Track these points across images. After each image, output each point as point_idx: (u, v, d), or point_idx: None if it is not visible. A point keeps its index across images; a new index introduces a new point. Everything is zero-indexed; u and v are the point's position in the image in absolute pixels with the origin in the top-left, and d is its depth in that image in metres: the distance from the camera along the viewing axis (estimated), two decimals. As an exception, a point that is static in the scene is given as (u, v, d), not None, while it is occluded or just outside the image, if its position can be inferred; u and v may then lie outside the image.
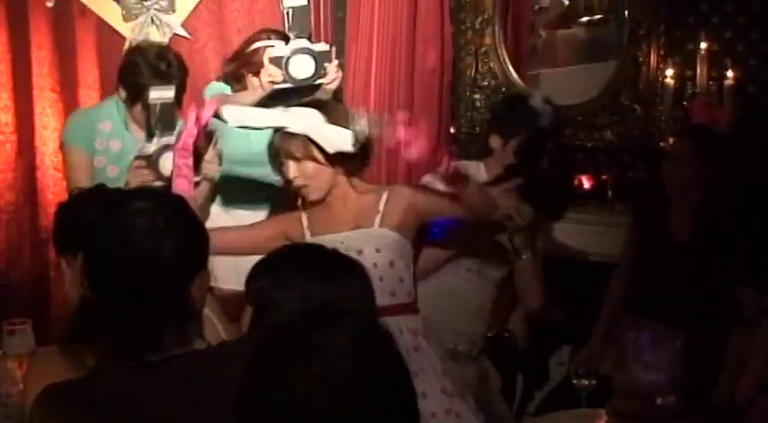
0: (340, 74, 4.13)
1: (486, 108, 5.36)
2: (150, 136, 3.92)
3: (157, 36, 5.14)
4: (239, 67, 4.39)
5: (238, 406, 1.48)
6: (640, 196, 4.62)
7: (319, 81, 4.01)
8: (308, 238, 3.42)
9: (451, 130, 5.41)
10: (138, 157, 3.89)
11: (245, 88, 4.36)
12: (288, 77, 3.96)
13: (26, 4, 5.05)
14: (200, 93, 4.76)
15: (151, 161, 3.84)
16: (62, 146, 4.35)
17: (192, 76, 5.01)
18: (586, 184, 5.05)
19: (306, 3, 4.03)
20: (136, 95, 4.07)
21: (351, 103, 5.22)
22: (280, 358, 1.44)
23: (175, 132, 3.78)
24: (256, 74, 4.28)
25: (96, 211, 2.12)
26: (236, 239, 3.58)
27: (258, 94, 4.08)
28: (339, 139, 3.33)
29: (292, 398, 1.40)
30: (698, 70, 4.68)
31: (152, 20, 5.15)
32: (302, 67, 3.96)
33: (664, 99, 4.77)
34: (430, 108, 5.21)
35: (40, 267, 5.01)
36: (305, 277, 2.15)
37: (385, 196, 3.46)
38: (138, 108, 4.10)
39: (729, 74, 4.64)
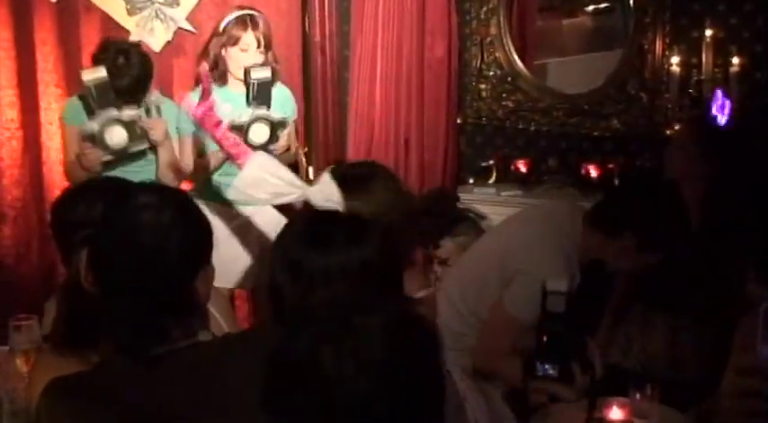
0: (288, 142, 4.45)
1: (492, 98, 5.35)
2: (90, 114, 4.20)
3: (162, 30, 5.15)
4: (216, 47, 4.52)
5: (268, 377, 1.53)
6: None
7: (272, 147, 4.25)
8: None
9: (458, 121, 5.42)
10: (83, 139, 4.16)
11: (225, 73, 4.52)
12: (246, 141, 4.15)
13: (30, 1, 5.05)
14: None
15: (96, 138, 4.12)
16: (60, 122, 4.64)
17: (196, 69, 5.02)
18: (593, 172, 5.04)
19: (269, 76, 4.27)
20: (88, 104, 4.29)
21: (356, 95, 5.23)
22: (312, 334, 1.49)
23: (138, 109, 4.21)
24: (234, 43, 4.47)
25: (103, 206, 2.11)
26: None
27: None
28: None
29: (322, 371, 1.44)
30: (703, 57, 4.66)
31: (156, 14, 5.15)
32: (259, 134, 4.22)
33: (670, 87, 4.76)
34: (438, 98, 5.21)
35: (47, 262, 5.02)
36: (307, 245, 2.15)
37: None
38: None
39: (735, 61, 4.62)
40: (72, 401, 1.95)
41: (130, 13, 5.14)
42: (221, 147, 3.41)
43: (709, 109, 4.51)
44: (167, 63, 5.18)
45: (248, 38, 4.45)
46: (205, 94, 3.41)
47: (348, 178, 2.94)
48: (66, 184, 4.69)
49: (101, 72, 4.14)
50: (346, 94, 5.33)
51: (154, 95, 4.41)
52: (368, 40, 5.16)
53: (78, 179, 4.23)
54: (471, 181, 5.34)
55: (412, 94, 5.17)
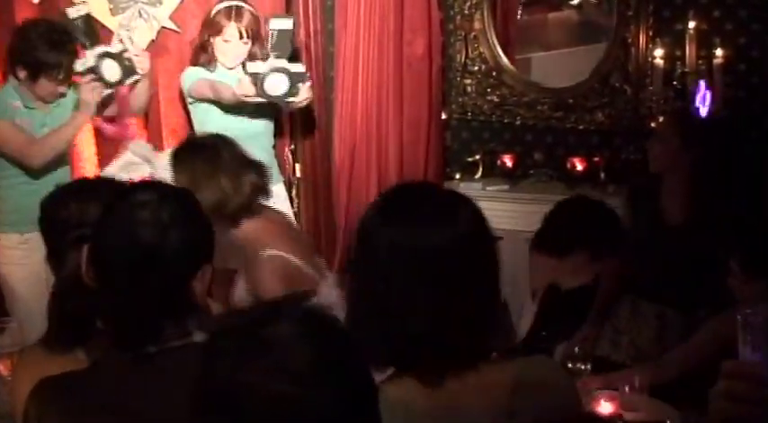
0: (311, 94, 4.51)
1: (478, 93, 5.35)
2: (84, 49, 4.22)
3: (145, 29, 5.13)
4: (204, 33, 4.70)
5: (194, 408, 1.46)
6: (632, 178, 4.62)
7: (290, 99, 4.38)
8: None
9: (443, 116, 5.41)
10: (85, 73, 4.20)
11: (213, 57, 4.69)
12: (262, 92, 4.29)
13: (13, 2, 5.03)
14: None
15: (97, 71, 4.18)
16: None
17: (182, 68, 5.01)
18: (579, 166, 5.05)
19: (291, 27, 4.34)
20: (37, 71, 4.25)
21: (341, 93, 5.22)
22: (229, 357, 1.42)
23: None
24: (218, 33, 4.62)
25: (103, 202, 2.12)
26: None
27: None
28: None
29: (247, 392, 1.38)
30: (687, 50, 4.66)
31: (140, 13, 5.13)
32: (277, 85, 4.31)
33: (654, 80, 4.76)
34: (420, 94, 5.20)
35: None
36: (380, 217, 1.97)
37: None
38: (41, 83, 4.27)
39: (718, 53, 4.63)
40: (62, 401, 1.96)
41: (113, 12, 5.12)
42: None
43: (692, 101, 4.52)
44: (151, 62, 5.16)
45: (231, 29, 4.60)
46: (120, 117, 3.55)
47: (178, 150, 2.96)
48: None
49: (85, 8, 4.22)
50: (332, 91, 5.33)
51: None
52: (351, 38, 5.16)
53: (45, 156, 4.30)
54: (458, 176, 5.34)
55: (391, 92, 5.16)
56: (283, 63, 4.34)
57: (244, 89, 4.36)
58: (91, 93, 4.23)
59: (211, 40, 4.64)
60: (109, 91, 4.32)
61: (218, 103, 4.62)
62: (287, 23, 4.35)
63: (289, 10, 5.22)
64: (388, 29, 5.09)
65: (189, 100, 4.74)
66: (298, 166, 5.31)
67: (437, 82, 5.26)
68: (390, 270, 1.87)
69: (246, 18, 4.61)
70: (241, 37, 4.60)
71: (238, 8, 4.62)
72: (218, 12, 4.63)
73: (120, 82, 4.36)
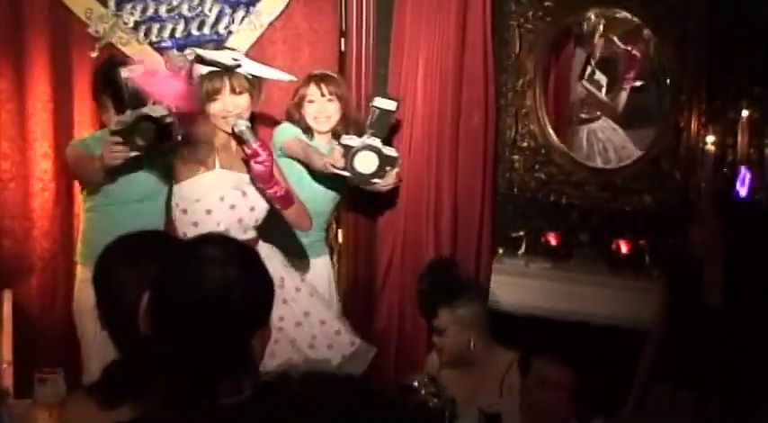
0: (396, 181, 4.50)
1: (525, 169, 5.33)
2: (123, 110, 4.10)
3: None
4: (295, 104, 4.72)
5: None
6: (673, 261, 4.58)
7: (376, 180, 4.38)
8: (218, 170, 4.18)
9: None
10: (113, 132, 4.09)
11: (306, 123, 4.71)
12: (350, 166, 4.30)
13: (71, 55, 5.08)
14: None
15: (126, 133, 4.02)
16: (68, 150, 4.69)
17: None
18: (624, 248, 5.01)
19: (394, 108, 4.37)
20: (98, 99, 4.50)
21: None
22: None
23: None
24: (302, 99, 4.68)
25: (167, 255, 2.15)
26: None
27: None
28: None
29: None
30: (739, 138, 4.66)
31: (197, 67, 5.16)
32: (366, 163, 4.31)
33: (704, 166, 4.74)
34: (475, 166, 5.16)
35: (71, 316, 4.99)
36: None
37: None
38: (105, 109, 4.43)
39: (770, 142, 4.63)
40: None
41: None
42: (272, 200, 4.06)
43: (734, 183, 4.51)
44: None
45: (312, 90, 4.63)
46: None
47: None
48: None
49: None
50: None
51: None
52: (405, 108, 5.10)
53: (84, 175, 4.49)
54: (501, 251, 5.31)
55: (446, 163, 5.10)
56: (377, 142, 4.36)
57: (334, 159, 4.36)
58: (109, 154, 4.14)
59: (302, 112, 4.65)
60: (136, 153, 4.15)
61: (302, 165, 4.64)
62: (390, 105, 4.39)
63: (342, 74, 5.24)
64: (446, 100, 5.06)
65: (277, 153, 4.56)
66: (340, 232, 5.29)
67: (492, 155, 5.22)
68: None
69: (328, 80, 4.66)
70: (323, 95, 4.61)
71: (321, 74, 4.69)
72: (303, 80, 4.68)
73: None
